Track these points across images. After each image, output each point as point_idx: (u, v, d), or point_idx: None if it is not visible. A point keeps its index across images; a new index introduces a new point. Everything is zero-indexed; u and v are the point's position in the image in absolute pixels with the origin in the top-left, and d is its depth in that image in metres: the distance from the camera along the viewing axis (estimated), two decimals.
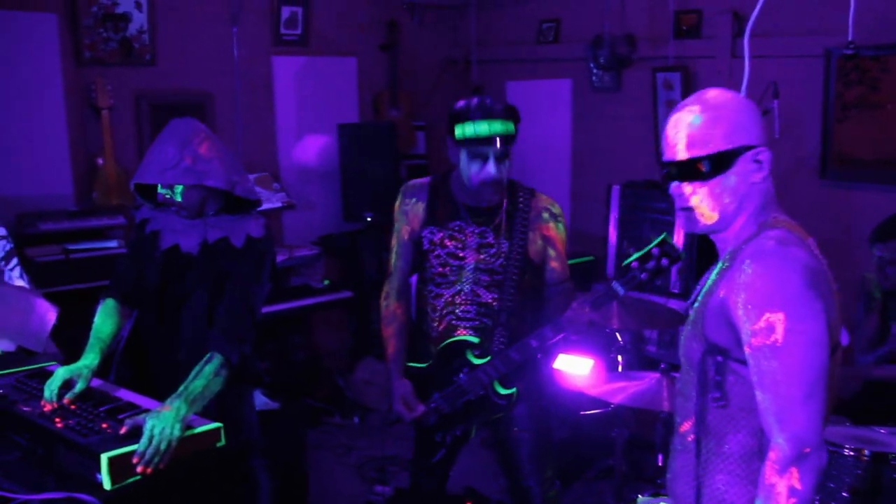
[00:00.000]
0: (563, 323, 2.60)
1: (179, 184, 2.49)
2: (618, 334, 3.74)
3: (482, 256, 2.73)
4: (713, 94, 1.73)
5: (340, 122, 5.19)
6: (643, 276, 2.45)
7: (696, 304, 1.73)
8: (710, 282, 1.71)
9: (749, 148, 1.65)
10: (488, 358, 2.72)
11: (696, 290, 1.84)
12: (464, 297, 2.74)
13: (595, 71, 5.05)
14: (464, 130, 2.61)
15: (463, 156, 2.67)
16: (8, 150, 4.13)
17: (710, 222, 1.72)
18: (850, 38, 3.06)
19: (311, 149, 5.32)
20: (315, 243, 5.22)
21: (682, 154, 1.69)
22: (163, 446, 2.12)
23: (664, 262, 2.43)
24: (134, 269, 2.72)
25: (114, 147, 4.31)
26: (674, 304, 4.02)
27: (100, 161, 4.33)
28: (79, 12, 4.28)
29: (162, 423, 2.15)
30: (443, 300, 2.77)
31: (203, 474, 2.25)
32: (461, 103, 2.67)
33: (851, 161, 3.97)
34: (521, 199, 2.78)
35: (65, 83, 4.28)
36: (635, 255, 2.46)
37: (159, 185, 2.54)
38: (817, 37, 3.99)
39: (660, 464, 3.45)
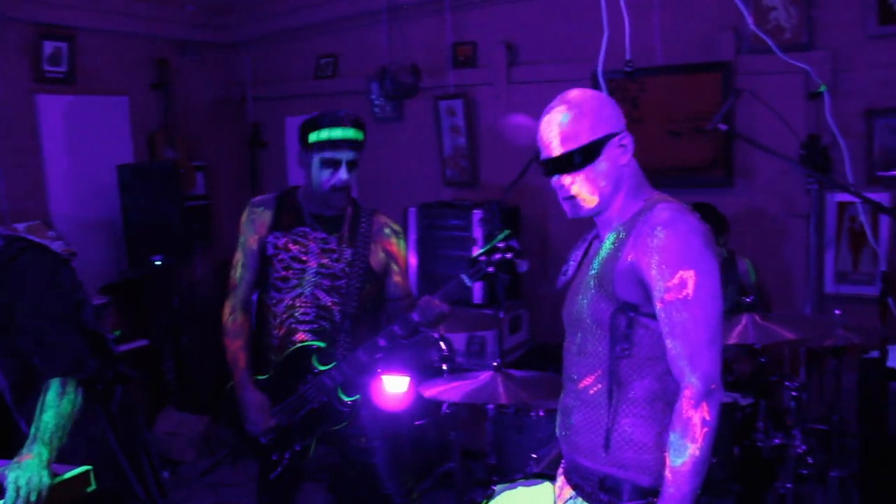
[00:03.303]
0: (412, 318, 2.64)
1: None
2: (442, 343, 3.87)
3: (324, 261, 2.76)
4: (574, 93, 1.89)
5: (118, 164, 4.89)
6: (490, 268, 2.58)
7: (592, 272, 1.86)
8: (605, 251, 1.85)
9: (613, 135, 1.85)
10: (333, 363, 2.72)
11: (573, 262, 2.01)
12: (304, 300, 2.75)
13: (377, 102, 5.24)
14: (319, 136, 2.67)
15: (315, 162, 2.71)
16: None
17: (591, 205, 1.87)
18: (627, 58, 3.50)
19: None
20: (101, 293, 4.84)
21: (557, 150, 1.84)
22: (33, 497, 1.90)
23: (508, 255, 2.58)
24: None
25: None
26: (485, 311, 4.27)
27: None
28: None
29: (27, 472, 1.94)
30: (283, 304, 2.76)
31: None
32: (313, 114, 2.73)
33: None
34: (363, 215, 2.86)
35: None
36: (483, 250, 2.59)
37: None
38: (583, 63, 4.48)
39: (493, 462, 3.61)
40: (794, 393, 2.71)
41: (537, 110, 4.77)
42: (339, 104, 5.42)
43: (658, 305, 1.74)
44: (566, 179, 1.86)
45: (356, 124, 2.73)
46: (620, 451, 1.80)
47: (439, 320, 2.66)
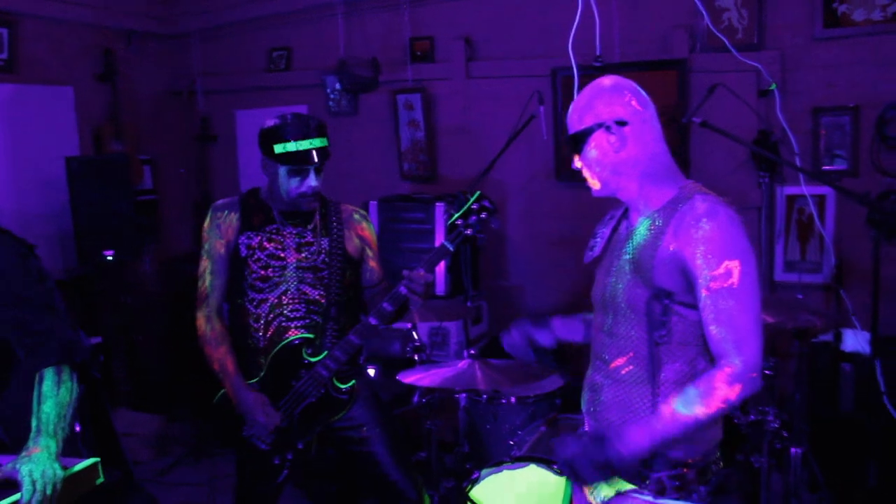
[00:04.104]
0: (400, 292, 2.63)
1: None
2: (414, 333, 3.91)
3: (303, 255, 2.75)
4: (594, 82, 2.00)
5: (66, 156, 4.74)
6: (468, 231, 2.63)
7: (626, 256, 1.94)
8: (641, 237, 1.92)
9: (601, 126, 1.94)
10: (325, 353, 2.72)
11: (600, 239, 2.09)
12: (291, 297, 2.72)
13: (332, 96, 5.22)
14: (286, 147, 2.64)
15: (282, 172, 2.68)
16: None
17: (596, 188, 2.01)
18: (598, 53, 3.61)
19: None
20: None
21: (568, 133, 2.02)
22: (49, 490, 1.86)
23: (483, 215, 2.63)
24: None
25: None
26: (450, 303, 4.33)
27: None
28: None
29: (40, 465, 1.88)
30: (267, 305, 2.72)
31: None
32: (274, 121, 2.69)
33: None
34: (331, 206, 2.88)
35: None
36: (457, 214, 2.67)
37: None
38: (542, 59, 4.58)
39: (465, 451, 3.66)
40: (767, 372, 2.86)
41: (497, 105, 4.89)
42: (292, 98, 5.42)
43: (703, 293, 1.80)
44: (577, 161, 2.02)
45: (321, 131, 2.71)
46: None
47: (427, 291, 2.65)
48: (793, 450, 3.17)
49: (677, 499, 1.86)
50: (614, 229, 2.08)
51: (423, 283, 2.61)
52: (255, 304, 2.74)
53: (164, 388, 5.18)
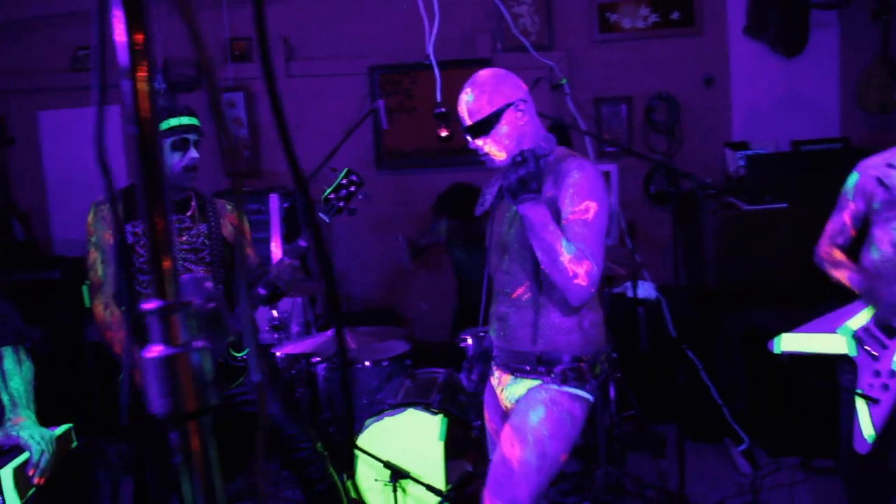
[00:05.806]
0: (301, 245, 2.97)
1: None
2: (274, 311, 4.14)
3: (184, 238, 2.99)
4: (478, 75, 2.40)
5: None
6: (341, 203, 3.02)
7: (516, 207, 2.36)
8: None
9: (510, 105, 2.35)
10: None
11: (489, 196, 2.53)
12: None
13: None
14: (168, 123, 2.92)
15: (165, 148, 2.92)
16: None
17: (501, 159, 2.39)
18: (427, 52, 4.09)
19: None
20: None
21: (468, 122, 2.35)
22: (50, 449, 2.02)
23: (353, 188, 3.03)
24: None
25: None
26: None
27: None
28: None
29: (35, 430, 2.04)
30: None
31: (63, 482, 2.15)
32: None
33: (398, 153, 5.07)
34: (206, 199, 3.14)
35: None
36: (330, 189, 3.02)
37: None
38: (358, 59, 4.99)
39: (328, 416, 3.99)
40: None
41: (317, 102, 5.22)
42: (105, 98, 5.34)
43: (563, 223, 2.26)
44: (479, 142, 2.37)
45: (193, 113, 3.04)
46: (553, 336, 2.36)
47: (294, 276, 2.99)
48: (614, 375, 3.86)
49: (576, 387, 2.37)
50: (500, 188, 2.51)
51: (290, 270, 2.96)
52: (144, 285, 2.91)
53: None
